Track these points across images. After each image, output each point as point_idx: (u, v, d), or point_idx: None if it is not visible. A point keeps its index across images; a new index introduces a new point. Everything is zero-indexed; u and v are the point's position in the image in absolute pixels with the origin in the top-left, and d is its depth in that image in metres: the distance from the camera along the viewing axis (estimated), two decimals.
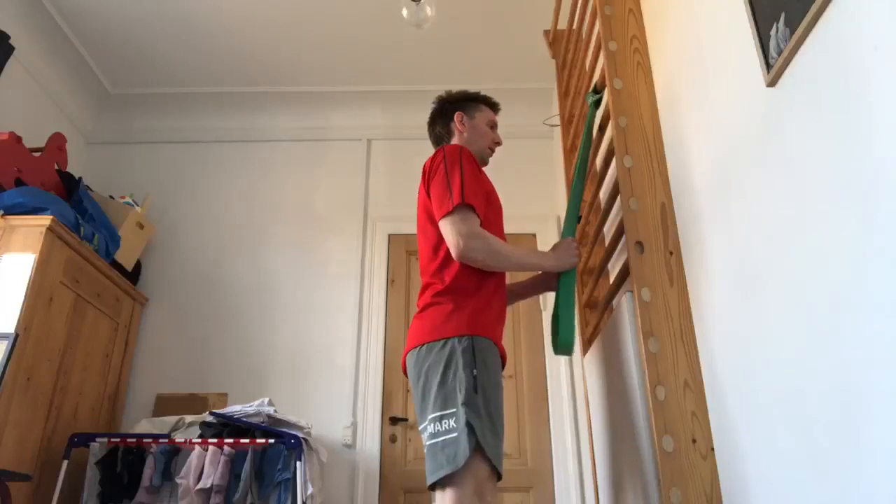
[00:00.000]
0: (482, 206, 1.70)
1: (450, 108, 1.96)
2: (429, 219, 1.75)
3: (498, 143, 1.98)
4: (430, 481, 1.45)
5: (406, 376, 1.68)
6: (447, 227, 1.63)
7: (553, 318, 1.82)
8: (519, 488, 3.07)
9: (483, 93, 2.04)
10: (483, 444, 1.43)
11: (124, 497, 2.60)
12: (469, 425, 1.43)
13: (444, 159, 1.72)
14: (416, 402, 1.59)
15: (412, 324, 1.69)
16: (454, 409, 1.47)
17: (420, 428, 1.57)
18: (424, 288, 1.72)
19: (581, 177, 2.08)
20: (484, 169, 1.87)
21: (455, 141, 1.93)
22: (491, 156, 1.98)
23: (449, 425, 1.46)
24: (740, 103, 1.37)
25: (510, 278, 1.81)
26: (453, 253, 1.62)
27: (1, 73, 3.03)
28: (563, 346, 1.76)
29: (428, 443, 1.50)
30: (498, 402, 1.54)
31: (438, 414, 1.49)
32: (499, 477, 1.49)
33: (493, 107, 2.02)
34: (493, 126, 1.98)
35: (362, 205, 3.71)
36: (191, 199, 3.78)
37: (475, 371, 1.51)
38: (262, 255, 3.61)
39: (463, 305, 1.61)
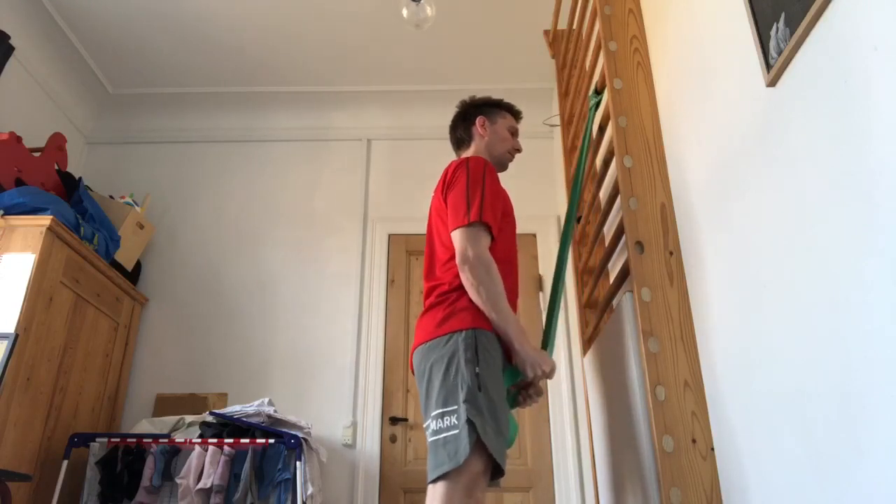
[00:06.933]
0: (497, 224, 1.72)
1: (472, 112, 2.00)
2: (443, 223, 1.77)
3: (518, 150, 2.01)
4: (431, 477, 1.46)
5: (413, 374, 1.70)
6: (458, 239, 1.66)
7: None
8: (519, 488, 3.07)
9: (483, 94, 2.06)
10: (485, 440, 1.43)
11: (124, 497, 2.59)
12: (470, 422, 1.44)
13: (468, 172, 1.74)
14: (421, 399, 1.62)
15: (418, 322, 1.71)
16: (455, 407, 1.48)
17: (424, 425, 1.59)
18: (431, 289, 1.73)
19: (566, 245, 2.02)
20: None
21: (475, 144, 1.96)
22: (510, 161, 2.01)
23: (451, 422, 1.47)
24: (740, 103, 1.37)
25: None
26: (457, 259, 1.65)
27: (1, 73, 3.03)
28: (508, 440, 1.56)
29: (430, 439, 1.51)
30: (501, 399, 1.54)
31: (441, 411, 1.51)
32: (501, 473, 1.49)
33: (516, 115, 2.05)
34: (515, 133, 2.02)
35: (362, 205, 3.71)
36: (191, 199, 3.78)
37: (478, 368, 1.52)
38: (262, 255, 3.61)
39: (469, 302, 1.63)
